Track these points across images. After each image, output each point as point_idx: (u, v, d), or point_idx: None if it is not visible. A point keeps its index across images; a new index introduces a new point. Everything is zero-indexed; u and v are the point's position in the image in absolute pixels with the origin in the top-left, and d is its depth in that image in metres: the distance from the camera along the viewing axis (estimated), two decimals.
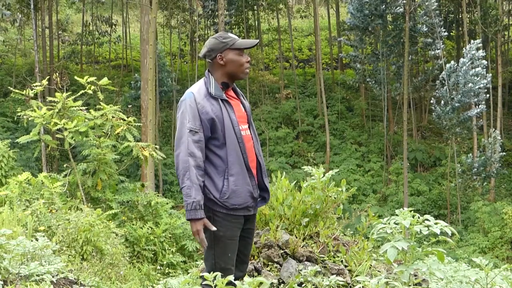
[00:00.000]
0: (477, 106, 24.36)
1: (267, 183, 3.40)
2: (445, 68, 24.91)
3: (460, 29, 33.90)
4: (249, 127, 3.35)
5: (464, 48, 25.37)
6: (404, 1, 27.35)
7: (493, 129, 25.32)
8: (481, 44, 24.65)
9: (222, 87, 3.27)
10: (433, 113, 25.64)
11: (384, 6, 27.77)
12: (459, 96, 23.67)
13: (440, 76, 25.34)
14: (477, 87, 23.51)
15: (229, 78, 3.30)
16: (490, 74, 25.18)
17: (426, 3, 26.85)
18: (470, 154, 24.70)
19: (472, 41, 25.05)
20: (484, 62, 24.20)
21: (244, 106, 3.38)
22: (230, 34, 3.30)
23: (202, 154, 3.11)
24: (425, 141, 31.21)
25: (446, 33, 28.32)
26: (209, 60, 3.30)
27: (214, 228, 3.11)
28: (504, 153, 25.01)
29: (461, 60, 24.38)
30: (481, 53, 24.09)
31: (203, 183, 3.10)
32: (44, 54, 30.10)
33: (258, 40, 3.48)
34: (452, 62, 24.81)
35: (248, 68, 3.33)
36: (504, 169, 25.28)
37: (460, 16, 33.04)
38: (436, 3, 27.29)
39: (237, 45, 3.26)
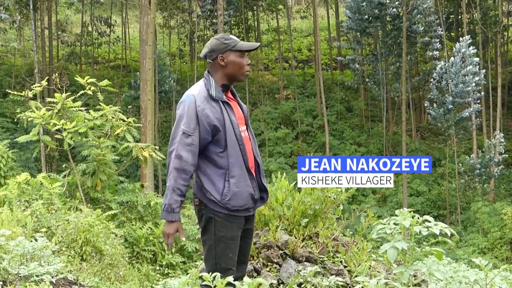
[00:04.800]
0: (470, 106, 24.37)
1: (265, 183, 3.40)
2: (436, 69, 24.92)
3: (460, 29, 33.93)
4: (247, 128, 3.35)
5: (454, 47, 25.35)
6: (398, 2, 27.43)
7: (498, 131, 25.34)
8: (470, 40, 24.60)
9: (222, 89, 3.27)
10: (428, 116, 25.69)
11: (378, 10, 27.83)
12: (451, 98, 23.67)
13: (432, 78, 25.38)
14: (469, 88, 23.49)
15: (229, 80, 3.30)
16: (484, 70, 25.16)
17: (418, 2, 26.93)
18: (473, 155, 24.70)
19: (460, 38, 25.03)
20: (476, 59, 24.18)
21: (242, 107, 3.39)
22: (231, 36, 3.31)
23: (192, 158, 3.11)
24: (425, 142, 31.23)
25: (442, 32, 28.37)
26: (210, 61, 3.29)
27: (183, 239, 3.25)
28: (505, 155, 25.03)
29: (451, 59, 24.34)
30: (471, 49, 24.06)
31: (185, 187, 3.14)
32: (43, 55, 30.10)
33: (259, 43, 3.48)
34: (443, 62, 24.79)
35: (248, 71, 3.33)
36: (504, 170, 25.32)
37: (460, 17, 33.07)
38: (430, 1, 27.36)
39: (238, 47, 3.26)
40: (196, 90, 3.22)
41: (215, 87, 3.23)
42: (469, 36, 25.33)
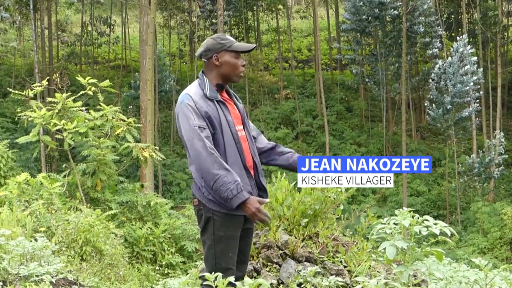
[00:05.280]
0: (470, 106, 24.36)
1: (265, 182, 3.40)
2: (434, 70, 24.88)
3: (460, 30, 33.96)
4: (244, 128, 3.36)
5: (451, 47, 25.34)
6: (400, 3, 27.44)
7: (498, 130, 25.33)
8: (467, 39, 24.57)
9: (216, 89, 3.28)
10: (427, 116, 25.67)
11: (379, 10, 27.85)
12: (449, 98, 23.65)
13: (430, 78, 25.35)
14: (467, 88, 23.46)
15: (223, 80, 3.31)
16: (481, 69, 25.12)
17: (419, 2, 26.95)
18: (473, 155, 24.69)
19: (458, 37, 25.03)
20: (474, 58, 24.16)
21: (238, 107, 3.40)
22: (228, 36, 3.33)
23: (214, 148, 3.11)
24: (425, 142, 31.25)
25: (442, 32, 28.39)
26: (205, 60, 3.31)
27: (267, 200, 3.13)
28: (506, 156, 25.03)
29: (449, 59, 24.31)
30: (469, 49, 24.05)
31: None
32: (43, 55, 30.09)
33: (255, 45, 3.48)
34: (440, 62, 24.75)
35: (242, 72, 3.34)
36: (504, 170, 25.31)
37: (460, 17, 33.08)
38: (430, 1, 27.39)
39: (234, 47, 3.27)
40: (192, 90, 3.24)
41: (209, 87, 3.24)
42: (466, 35, 25.33)
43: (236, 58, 3.28)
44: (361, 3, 28.05)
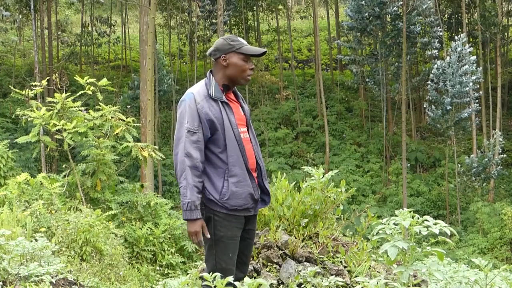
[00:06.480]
0: (469, 106, 24.33)
1: (268, 186, 3.40)
2: (432, 71, 24.84)
3: (460, 30, 33.95)
4: (248, 130, 3.35)
5: (449, 47, 25.29)
6: (401, 2, 27.43)
7: (495, 130, 25.31)
8: (466, 39, 24.51)
9: (222, 89, 3.27)
10: (427, 117, 25.65)
11: (379, 8, 27.83)
12: (449, 99, 23.63)
13: (429, 79, 25.32)
14: (466, 88, 23.44)
15: (230, 81, 3.30)
16: (480, 68, 25.09)
17: (418, 2, 26.93)
18: (473, 155, 24.67)
19: (456, 37, 24.99)
20: (473, 58, 24.13)
21: (244, 109, 3.39)
22: (239, 38, 3.31)
23: (200, 155, 3.11)
24: (425, 142, 31.24)
25: (441, 32, 28.38)
26: (214, 60, 3.31)
27: (208, 236, 3.13)
28: (504, 155, 25.00)
29: (447, 59, 24.25)
30: (467, 48, 24.02)
31: (200, 183, 3.10)
32: (43, 55, 30.10)
33: (265, 50, 3.42)
34: (439, 62, 24.72)
35: (250, 75, 3.31)
36: (503, 170, 25.30)
37: (460, 18, 33.09)
38: (430, 1, 27.35)
39: (242, 50, 3.25)
40: (196, 89, 3.24)
41: (215, 87, 3.23)
42: (465, 34, 25.30)
43: (245, 61, 3.26)
44: (363, 2, 28.02)
